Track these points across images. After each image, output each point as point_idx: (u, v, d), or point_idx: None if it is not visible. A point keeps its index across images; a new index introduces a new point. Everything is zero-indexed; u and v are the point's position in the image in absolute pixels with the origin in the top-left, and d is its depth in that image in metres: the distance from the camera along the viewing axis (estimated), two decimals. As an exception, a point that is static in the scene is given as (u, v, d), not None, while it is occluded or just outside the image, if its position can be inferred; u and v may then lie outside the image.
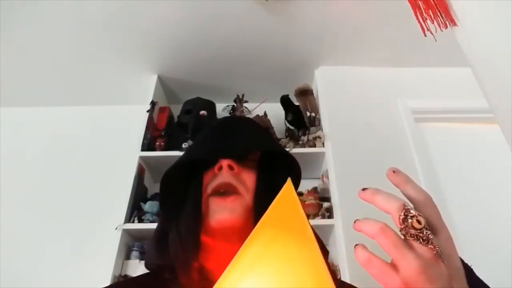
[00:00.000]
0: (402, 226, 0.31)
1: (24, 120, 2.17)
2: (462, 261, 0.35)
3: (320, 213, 1.60)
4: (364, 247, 0.32)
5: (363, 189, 0.35)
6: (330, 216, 1.58)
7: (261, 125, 0.68)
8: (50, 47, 1.86)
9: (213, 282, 0.49)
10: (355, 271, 1.39)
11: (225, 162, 0.54)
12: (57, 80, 2.07)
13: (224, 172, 0.54)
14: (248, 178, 0.55)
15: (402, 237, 0.32)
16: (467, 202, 1.68)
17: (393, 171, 0.35)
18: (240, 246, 0.52)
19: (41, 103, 2.19)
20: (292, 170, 0.59)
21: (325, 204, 1.63)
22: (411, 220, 0.31)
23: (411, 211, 0.31)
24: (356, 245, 0.33)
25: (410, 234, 0.31)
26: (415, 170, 1.70)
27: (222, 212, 0.51)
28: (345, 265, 1.42)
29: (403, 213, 0.31)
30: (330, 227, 1.56)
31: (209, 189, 0.54)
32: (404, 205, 0.32)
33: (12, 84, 2.05)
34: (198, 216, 0.52)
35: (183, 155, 0.62)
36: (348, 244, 1.46)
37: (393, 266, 0.31)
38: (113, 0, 1.65)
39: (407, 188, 0.34)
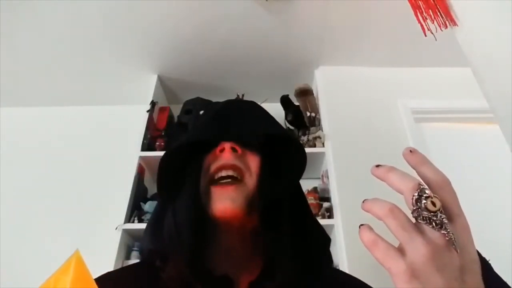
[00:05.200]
0: (415, 208, 0.29)
1: (24, 120, 2.17)
2: (479, 254, 0.32)
3: (320, 213, 1.60)
4: (370, 228, 0.30)
5: (377, 166, 0.32)
6: (330, 216, 1.58)
7: (265, 109, 0.64)
8: (50, 47, 1.86)
9: (209, 272, 0.48)
10: (356, 271, 1.38)
11: (227, 145, 0.52)
12: (57, 80, 2.07)
13: (226, 154, 0.52)
14: (252, 161, 0.53)
15: (413, 220, 0.29)
16: (467, 202, 1.67)
17: (410, 151, 0.32)
18: (240, 234, 0.51)
19: (41, 103, 2.19)
20: (296, 154, 0.57)
21: (325, 204, 1.63)
22: (425, 201, 0.28)
23: (426, 191, 0.29)
24: (361, 225, 0.31)
25: (423, 216, 0.28)
26: (415, 170, 1.70)
27: (223, 201, 0.49)
28: (345, 265, 1.42)
29: (417, 193, 0.29)
30: (330, 227, 1.56)
31: (212, 169, 0.52)
32: (419, 184, 0.29)
33: (12, 84, 2.05)
34: (195, 199, 0.50)
35: (184, 137, 0.60)
36: (348, 244, 1.46)
37: (400, 250, 0.28)
38: (113, 0, 1.65)
39: (424, 169, 0.31)
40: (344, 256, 1.44)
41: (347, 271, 1.39)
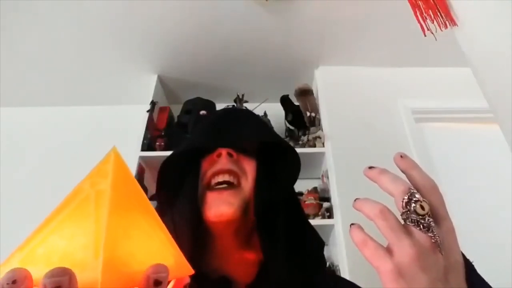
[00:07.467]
0: (404, 210, 0.30)
1: (24, 120, 2.17)
2: (463, 256, 0.33)
3: (320, 213, 1.60)
4: (360, 227, 0.31)
5: (370, 167, 0.33)
6: (330, 216, 1.58)
7: (261, 118, 0.69)
8: (50, 47, 1.86)
9: (207, 275, 0.49)
10: (356, 271, 1.39)
11: (224, 150, 0.54)
12: (57, 80, 2.06)
13: (223, 159, 0.53)
14: (248, 165, 0.55)
15: (402, 221, 0.31)
16: (467, 202, 1.68)
17: (401, 156, 0.34)
18: (235, 238, 0.51)
19: (41, 103, 2.19)
20: (290, 160, 0.58)
21: (325, 204, 1.63)
22: (414, 205, 0.30)
23: (416, 195, 0.30)
24: (352, 224, 0.32)
25: (411, 219, 0.30)
26: (415, 170, 1.70)
27: (219, 206, 0.50)
28: (345, 265, 1.42)
29: (407, 197, 0.30)
30: (330, 227, 1.56)
31: (209, 174, 0.53)
32: (410, 188, 0.31)
33: (12, 84, 2.05)
34: (194, 204, 0.51)
35: (183, 144, 0.62)
36: (348, 244, 1.46)
37: (388, 250, 0.30)
38: (113, 0, 1.65)
39: (414, 173, 0.33)
40: (344, 256, 1.44)
41: (347, 271, 1.40)
